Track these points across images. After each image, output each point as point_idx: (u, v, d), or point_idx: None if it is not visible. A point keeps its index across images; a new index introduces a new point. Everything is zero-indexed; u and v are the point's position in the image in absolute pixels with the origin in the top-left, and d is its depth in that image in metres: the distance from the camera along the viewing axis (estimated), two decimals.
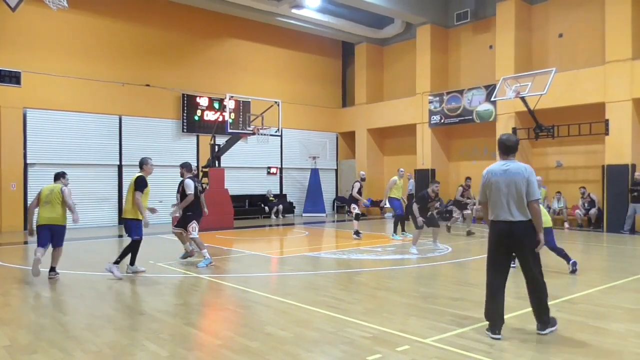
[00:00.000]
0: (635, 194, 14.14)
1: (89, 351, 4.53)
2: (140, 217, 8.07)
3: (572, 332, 5.08)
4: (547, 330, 4.93)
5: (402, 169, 13.81)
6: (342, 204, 23.49)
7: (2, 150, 15.38)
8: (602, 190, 15.14)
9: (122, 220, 8.11)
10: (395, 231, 13.27)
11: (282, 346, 4.62)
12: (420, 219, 10.61)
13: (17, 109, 15.66)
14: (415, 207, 10.75)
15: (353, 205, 13.29)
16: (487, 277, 5.00)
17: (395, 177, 13.37)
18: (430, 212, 11.04)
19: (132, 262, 8.26)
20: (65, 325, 5.35)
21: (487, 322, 4.92)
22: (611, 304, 6.15)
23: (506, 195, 4.80)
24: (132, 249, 8.16)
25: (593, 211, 15.44)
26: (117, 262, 7.88)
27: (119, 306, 6.21)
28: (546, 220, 9.01)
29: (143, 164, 8.38)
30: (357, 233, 13.03)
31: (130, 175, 17.34)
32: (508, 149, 4.99)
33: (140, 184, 8.04)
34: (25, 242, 13.00)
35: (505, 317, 4.98)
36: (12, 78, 15.51)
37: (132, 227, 8.08)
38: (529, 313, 5.67)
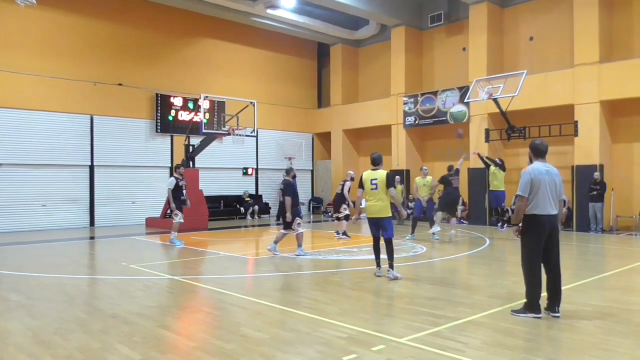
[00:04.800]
0: (594, 193, 14.56)
1: (59, 356, 4.42)
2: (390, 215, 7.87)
3: (544, 329, 5.18)
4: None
5: (425, 167, 13.99)
6: (317, 204, 23.50)
7: None
8: (571, 190, 15.49)
9: (375, 220, 7.79)
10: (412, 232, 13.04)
11: (257, 347, 4.59)
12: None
13: None
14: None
15: (344, 206, 13.29)
16: (530, 265, 5.59)
17: (418, 178, 13.70)
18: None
19: (391, 266, 7.80)
20: (34, 330, 5.21)
21: (528, 306, 5.53)
22: (580, 302, 6.30)
23: (549, 193, 5.60)
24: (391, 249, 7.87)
25: (563, 211, 15.76)
26: (392, 266, 7.76)
27: (89, 309, 6.08)
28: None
29: (380, 161, 8.15)
30: (345, 233, 13.18)
31: (103, 176, 17.44)
32: (541, 152, 5.80)
33: (392, 180, 7.88)
34: None
35: (477, 316, 5.57)
36: None
37: (388, 225, 7.80)
38: (501, 312, 5.78)
